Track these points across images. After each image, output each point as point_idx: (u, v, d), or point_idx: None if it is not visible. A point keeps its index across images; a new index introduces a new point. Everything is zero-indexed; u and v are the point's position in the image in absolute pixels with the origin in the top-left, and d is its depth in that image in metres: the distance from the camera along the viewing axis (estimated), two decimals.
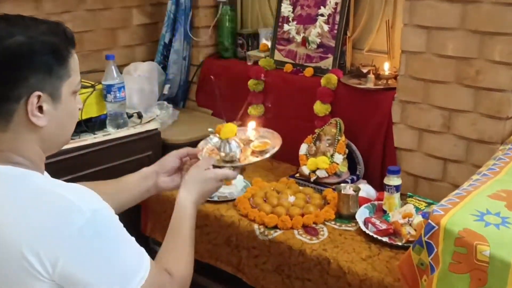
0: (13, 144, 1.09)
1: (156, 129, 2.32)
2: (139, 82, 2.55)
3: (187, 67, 2.73)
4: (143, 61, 2.73)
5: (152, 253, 2.22)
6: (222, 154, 1.46)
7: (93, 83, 2.26)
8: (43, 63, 1.08)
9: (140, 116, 2.37)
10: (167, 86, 2.68)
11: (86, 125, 2.19)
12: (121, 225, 1.11)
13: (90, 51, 2.57)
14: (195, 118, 2.64)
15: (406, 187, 2.02)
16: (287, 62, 2.37)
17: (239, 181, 2.14)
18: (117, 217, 1.12)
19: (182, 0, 2.56)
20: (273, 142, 1.54)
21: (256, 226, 1.87)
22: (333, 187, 2.00)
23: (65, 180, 2.01)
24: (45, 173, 1.21)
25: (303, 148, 2.15)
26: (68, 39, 1.15)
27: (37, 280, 1.02)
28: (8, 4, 2.26)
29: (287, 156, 2.32)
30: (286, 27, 2.35)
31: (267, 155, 1.50)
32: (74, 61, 1.16)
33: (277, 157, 2.40)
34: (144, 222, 2.24)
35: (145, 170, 1.49)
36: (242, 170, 1.50)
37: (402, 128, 2.02)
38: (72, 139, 2.09)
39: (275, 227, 1.84)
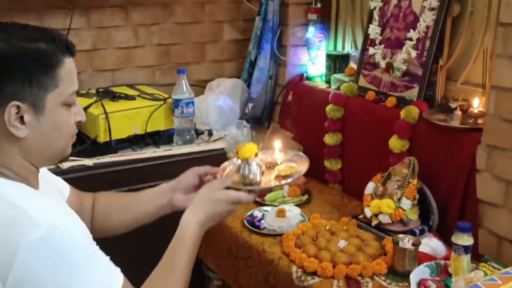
0: None
1: (223, 148, 2.22)
2: (219, 99, 2.49)
3: (273, 87, 2.61)
4: (231, 77, 2.66)
5: (205, 278, 2.12)
6: (242, 175, 1.33)
7: (166, 96, 2.24)
8: (23, 71, 1.03)
9: (210, 133, 2.29)
10: (250, 105, 2.57)
11: (153, 138, 2.16)
12: (89, 245, 1.02)
13: (176, 63, 2.56)
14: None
15: (487, 248, 1.69)
16: (370, 89, 2.14)
17: (296, 215, 1.96)
18: (86, 237, 1.03)
19: (270, 16, 2.45)
20: (299, 167, 1.40)
21: (294, 268, 1.67)
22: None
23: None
24: (41, 189, 1.15)
25: (370, 187, 1.90)
26: (59, 46, 1.08)
27: None
28: (96, 14, 2.33)
29: (361, 194, 2.09)
30: (371, 50, 2.12)
31: (289, 180, 1.38)
32: (66, 70, 1.08)
33: (350, 193, 2.20)
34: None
35: (161, 186, 1.43)
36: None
37: (487, 178, 1.69)
38: (134, 151, 2.11)
39: (314, 273, 1.63)
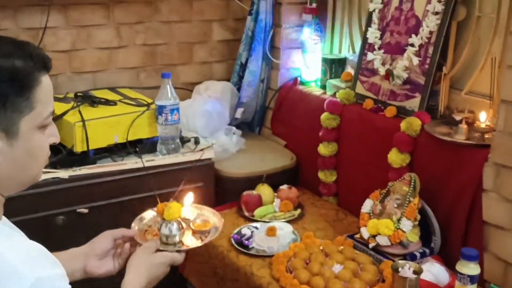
0: None
1: (210, 159, 2.08)
2: (207, 103, 2.34)
3: (265, 91, 2.47)
4: (220, 80, 2.51)
5: None
6: (163, 235, 1.33)
7: (150, 101, 2.09)
8: None
9: (197, 142, 2.14)
10: (240, 110, 2.43)
11: (136, 147, 2.01)
12: None
13: (162, 65, 2.42)
14: (265, 148, 2.36)
15: (492, 274, 1.57)
16: (368, 97, 2.00)
17: (287, 233, 1.83)
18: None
19: (262, 16, 2.30)
20: (214, 221, 1.43)
21: None
22: (394, 260, 1.61)
23: (98, 207, 1.88)
24: (3, 218, 1.03)
25: (367, 205, 1.77)
26: (36, 63, 0.95)
27: None
28: (75, 12, 2.17)
29: (357, 208, 1.95)
30: (370, 55, 1.98)
31: (209, 238, 1.39)
32: (44, 89, 0.95)
33: (345, 207, 2.07)
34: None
35: (73, 250, 1.29)
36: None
37: (494, 198, 1.56)
38: (114, 161, 1.96)
39: None
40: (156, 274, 1.25)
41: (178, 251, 1.31)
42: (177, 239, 1.34)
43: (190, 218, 1.43)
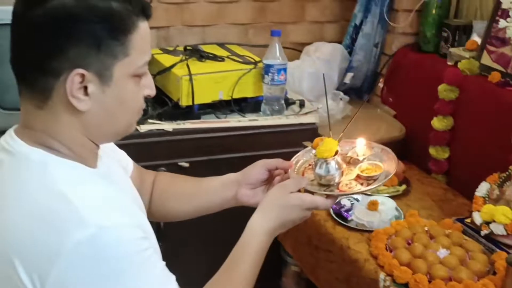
0: (50, 125, 0.92)
1: (314, 123, 1.99)
2: (316, 65, 2.25)
3: (378, 56, 2.32)
4: (332, 41, 2.40)
5: (283, 263, 1.95)
6: (318, 175, 1.13)
7: (258, 59, 2.03)
8: (89, 34, 0.87)
9: (302, 105, 2.07)
10: (349, 74, 2.31)
11: (239, 105, 1.98)
12: (141, 250, 0.88)
13: (272, 23, 2.34)
14: (372, 117, 2.23)
15: None
16: (495, 69, 1.80)
17: (390, 209, 1.72)
18: (140, 240, 0.88)
19: None
20: (387, 166, 1.15)
21: (382, 275, 1.45)
22: (510, 252, 1.46)
23: (199, 162, 1.88)
24: (101, 166, 1.00)
25: (483, 188, 1.61)
26: (135, 8, 0.91)
27: None
28: None
29: (468, 190, 1.80)
30: (502, 23, 1.77)
31: (375, 186, 1.12)
32: (141, 36, 0.92)
33: (455, 187, 1.92)
34: None
35: (227, 176, 1.25)
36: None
37: None
38: (217, 118, 1.94)
39: (405, 286, 1.40)
40: (289, 217, 1.09)
41: (327, 196, 1.10)
42: (335, 180, 1.12)
43: (360, 159, 1.18)
